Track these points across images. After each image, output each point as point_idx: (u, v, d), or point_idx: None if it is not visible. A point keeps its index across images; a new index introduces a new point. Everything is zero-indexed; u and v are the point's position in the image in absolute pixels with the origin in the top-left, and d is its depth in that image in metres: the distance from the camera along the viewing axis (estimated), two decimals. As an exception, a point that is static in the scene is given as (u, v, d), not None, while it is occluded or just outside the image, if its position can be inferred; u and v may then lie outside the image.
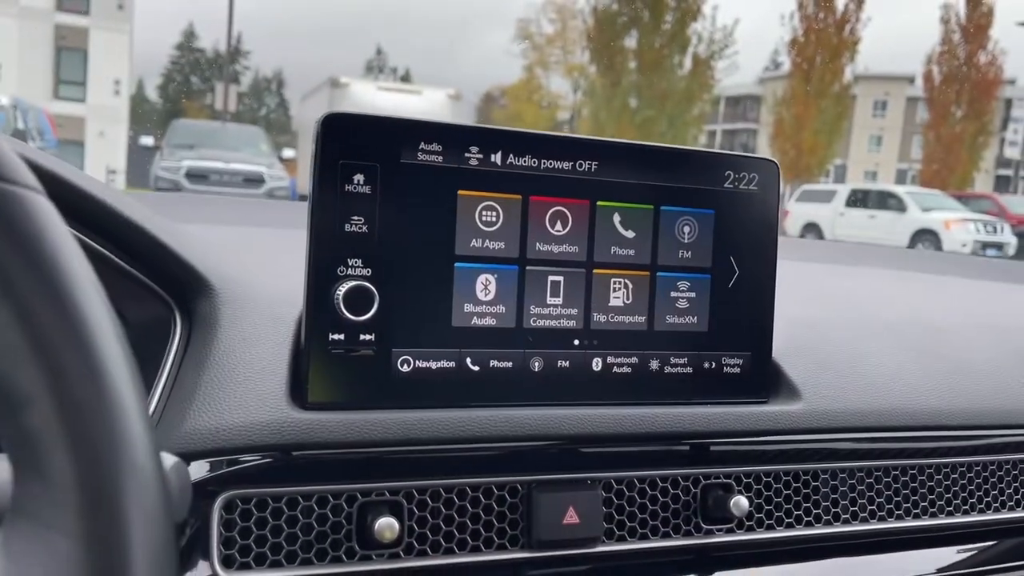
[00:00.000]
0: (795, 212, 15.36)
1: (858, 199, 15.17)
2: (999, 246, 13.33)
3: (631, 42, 21.24)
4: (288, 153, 14.51)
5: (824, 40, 21.48)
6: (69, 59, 21.93)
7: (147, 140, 13.31)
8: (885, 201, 14.76)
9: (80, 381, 0.29)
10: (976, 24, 22.80)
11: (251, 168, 10.98)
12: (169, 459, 0.42)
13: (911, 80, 36.22)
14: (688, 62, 21.25)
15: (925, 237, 13.45)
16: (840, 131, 22.46)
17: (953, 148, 22.63)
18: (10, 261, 0.29)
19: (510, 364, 0.65)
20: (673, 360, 0.70)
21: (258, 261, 0.76)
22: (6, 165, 0.30)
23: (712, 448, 0.72)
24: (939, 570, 0.79)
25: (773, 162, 0.73)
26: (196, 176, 10.41)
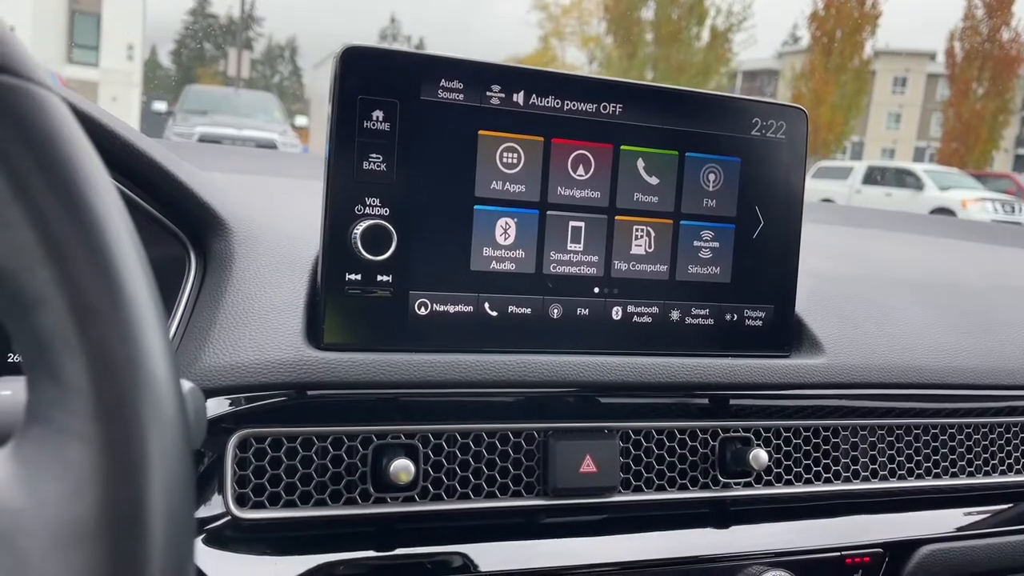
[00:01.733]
0: (811, 189, 15.18)
1: (875, 177, 15.00)
2: (1016, 225, 13.18)
3: (648, 14, 21.00)
4: (301, 121, 14.41)
5: (845, 14, 21.16)
6: (83, 23, 21.83)
7: (160, 105, 13.20)
8: (902, 179, 14.59)
9: (92, 283, 0.28)
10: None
11: (264, 135, 10.93)
12: (185, 384, 0.41)
13: (932, 56, 35.65)
14: (706, 35, 21.02)
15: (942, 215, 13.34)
16: (859, 107, 22.17)
17: (973, 126, 22.29)
18: (21, 157, 0.28)
19: (529, 310, 0.64)
20: (694, 311, 0.69)
21: (275, 204, 0.75)
22: (19, 60, 0.29)
23: (732, 401, 0.71)
24: (958, 529, 0.78)
25: (802, 110, 0.71)
26: (209, 142, 10.39)
